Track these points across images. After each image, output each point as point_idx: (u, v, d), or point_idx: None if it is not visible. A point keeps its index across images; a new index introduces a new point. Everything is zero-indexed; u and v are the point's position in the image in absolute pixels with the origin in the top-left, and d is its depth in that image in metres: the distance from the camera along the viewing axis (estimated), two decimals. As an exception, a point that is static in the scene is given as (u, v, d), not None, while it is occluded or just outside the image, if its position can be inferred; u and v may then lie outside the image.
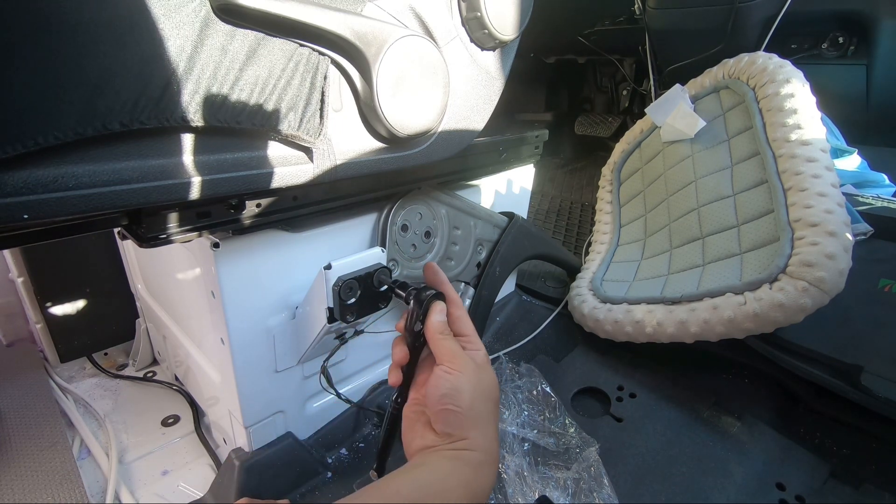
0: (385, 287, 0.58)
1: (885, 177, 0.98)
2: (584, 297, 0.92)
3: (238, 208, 0.50)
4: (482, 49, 0.61)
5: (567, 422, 0.69)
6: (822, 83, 0.89)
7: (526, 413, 0.71)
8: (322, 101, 0.47)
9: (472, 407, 0.40)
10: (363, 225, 0.68)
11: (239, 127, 0.42)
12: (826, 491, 0.61)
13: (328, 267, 0.57)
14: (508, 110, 1.90)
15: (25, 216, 0.33)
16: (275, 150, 0.46)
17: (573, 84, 1.91)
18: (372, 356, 0.78)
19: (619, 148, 1.17)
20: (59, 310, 0.93)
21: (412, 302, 0.46)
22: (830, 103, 0.92)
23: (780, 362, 0.72)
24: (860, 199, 0.86)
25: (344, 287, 0.56)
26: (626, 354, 0.86)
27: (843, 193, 0.72)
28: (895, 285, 0.73)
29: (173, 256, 0.69)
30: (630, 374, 0.81)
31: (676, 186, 0.96)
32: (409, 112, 0.52)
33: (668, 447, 0.68)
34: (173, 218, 0.45)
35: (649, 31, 1.26)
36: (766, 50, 0.97)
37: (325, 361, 0.65)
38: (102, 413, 0.85)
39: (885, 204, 0.83)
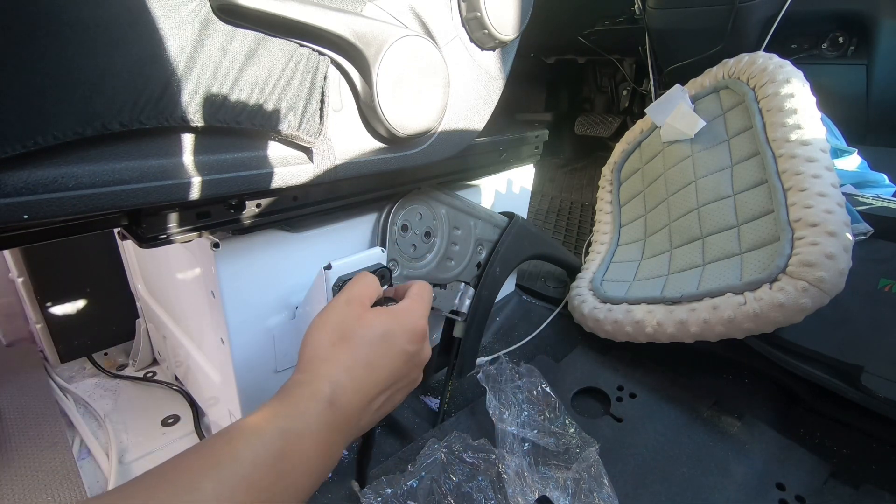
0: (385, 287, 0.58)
1: (885, 177, 0.98)
2: (584, 298, 0.92)
3: (238, 208, 0.50)
4: (482, 49, 0.60)
5: (567, 422, 0.69)
6: (822, 83, 0.89)
7: (526, 413, 0.71)
8: (322, 101, 0.47)
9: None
10: (363, 225, 0.68)
11: (239, 127, 0.42)
12: (826, 491, 0.61)
13: (328, 267, 0.57)
14: (508, 110, 1.90)
15: (25, 216, 0.33)
16: (275, 150, 0.46)
17: (573, 84, 1.91)
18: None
19: (619, 148, 1.17)
20: (59, 310, 0.93)
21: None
22: (830, 103, 0.92)
23: (780, 362, 0.72)
24: (860, 199, 0.85)
25: (344, 287, 0.56)
26: (626, 354, 0.86)
27: (843, 193, 0.72)
28: (895, 285, 0.73)
29: (173, 256, 0.69)
30: (630, 374, 0.81)
31: (676, 186, 0.96)
32: (409, 112, 0.52)
33: (668, 447, 0.68)
34: (173, 218, 0.45)
35: (649, 31, 1.26)
36: (766, 50, 0.96)
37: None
38: (102, 413, 0.85)
39: (885, 204, 0.83)
